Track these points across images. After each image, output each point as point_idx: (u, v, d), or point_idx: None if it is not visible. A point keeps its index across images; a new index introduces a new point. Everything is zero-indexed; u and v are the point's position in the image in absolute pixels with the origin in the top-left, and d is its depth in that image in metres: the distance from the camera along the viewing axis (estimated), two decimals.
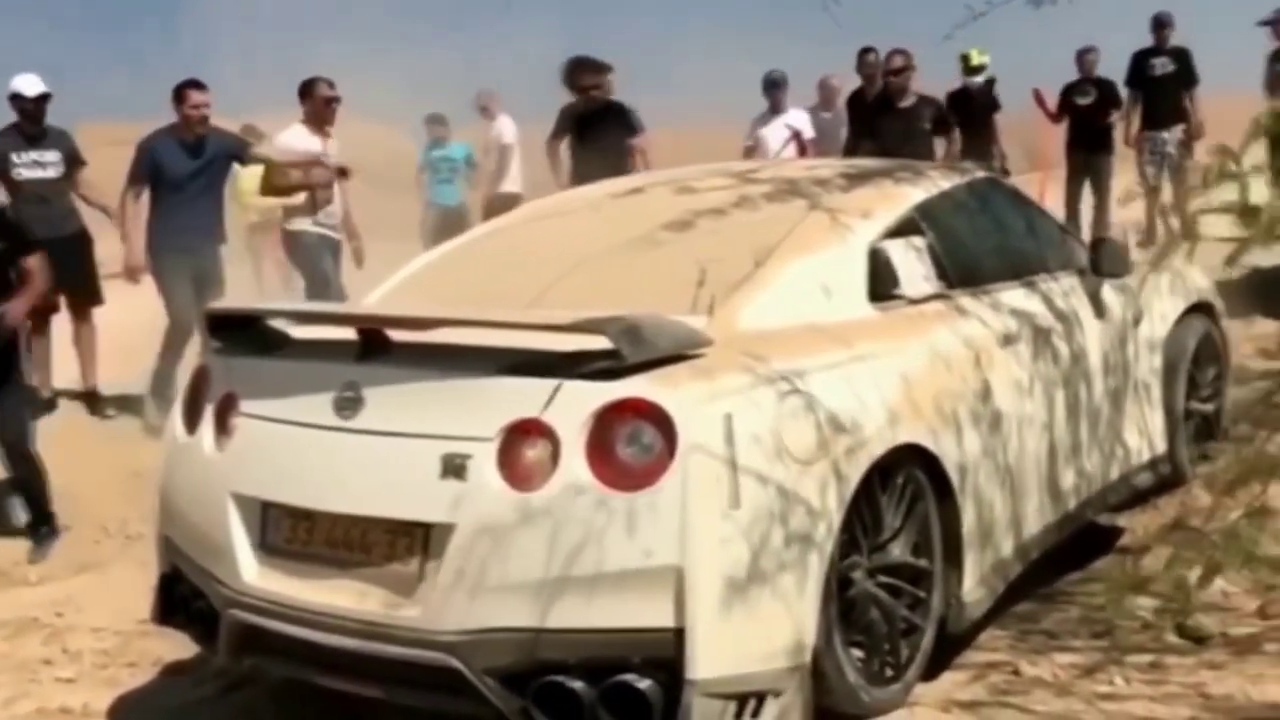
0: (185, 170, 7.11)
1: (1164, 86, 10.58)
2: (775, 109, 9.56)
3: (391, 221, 10.17)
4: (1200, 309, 5.11)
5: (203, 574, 3.43)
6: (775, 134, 9.44)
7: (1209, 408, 5.12)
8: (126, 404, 7.29)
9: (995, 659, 3.65)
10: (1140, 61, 10.70)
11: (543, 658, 2.88)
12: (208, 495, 3.41)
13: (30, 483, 5.75)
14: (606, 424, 2.89)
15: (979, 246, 4.24)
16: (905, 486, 3.36)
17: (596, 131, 7.81)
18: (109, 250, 7.54)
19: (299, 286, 8.09)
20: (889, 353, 3.44)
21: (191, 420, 3.56)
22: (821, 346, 3.29)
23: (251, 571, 3.27)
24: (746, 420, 2.94)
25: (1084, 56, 10.78)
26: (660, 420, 2.86)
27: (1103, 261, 4.53)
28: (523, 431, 2.93)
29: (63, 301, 7.27)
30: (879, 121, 8.67)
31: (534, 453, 2.93)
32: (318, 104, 7.58)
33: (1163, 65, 10.58)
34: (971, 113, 9.57)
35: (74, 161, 7.39)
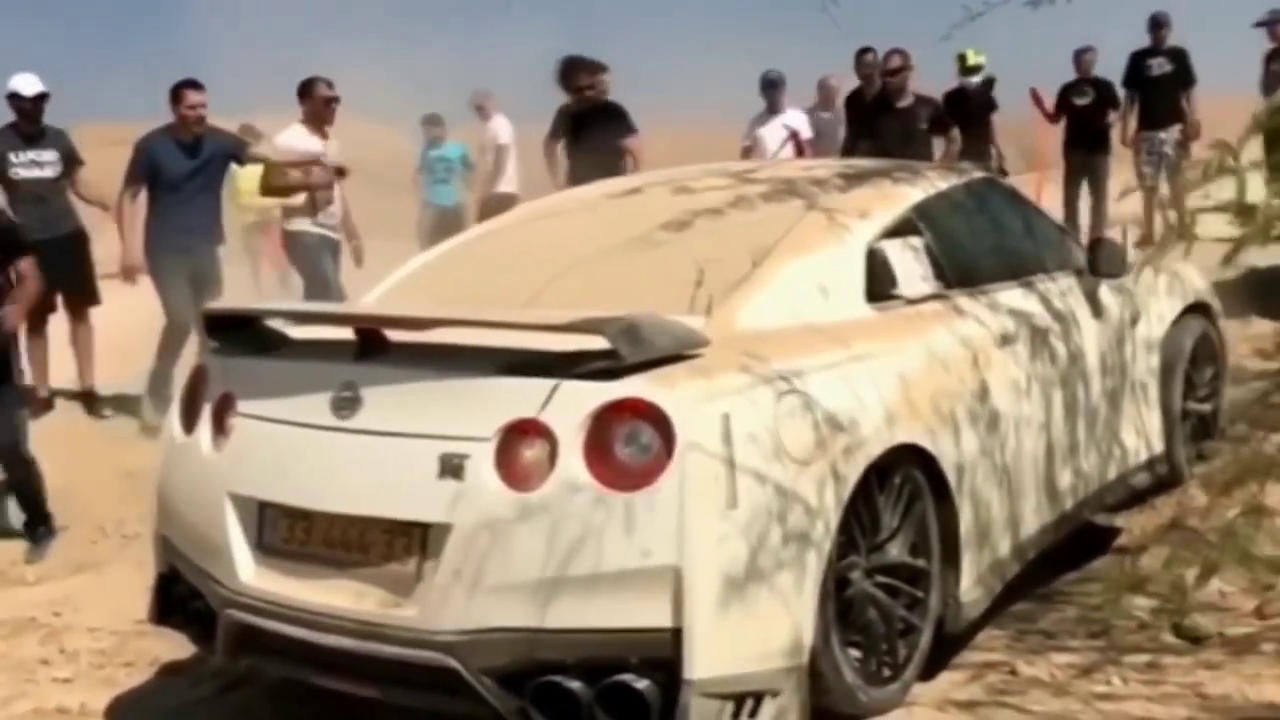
0: (182, 170, 7.10)
1: (1161, 87, 10.59)
2: (773, 109, 9.56)
3: (391, 221, 10.18)
4: (1197, 309, 5.11)
5: (200, 574, 3.42)
6: (773, 134, 9.44)
7: (1206, 408, 5.13)
8: (124, 404, 7.29)
9: (992, 659, 3.65)
10: (1137, 62, 10.72)
11: (540, 658, 2.88)
12: (205, 495, 3.40)
13: (26, 484, 5.75)
14: (604, 424, 2.89)
15: (977, 247, 4.25)
16: (903, 486, 3.36)
17: (590, 132, 7.79)
18: (106, 250, 7.53)
19: (296, 286, 8.09)
20: (886, 353, 3.44)
21: (189, 420, 3.56)
22: (819, 346, 3.29)
23: (249, 571, 3.27)
24: (744, 420, 2.94)
25: (1081, 57, 10.80)
26: (658, 420, 2.86)
27: (1100, 262, 4.53)
28: (520, 431, 2.93)
29: (60, 301, 7.27)
30: (877, 121, 8.68)
31: (532, 453, 2.93)
32: (317, 104, 7.58)
33: (1160, 65, 10.60)
34: (968, 113, 9.58)
35: (71, 161, 7.39)
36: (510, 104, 10.98)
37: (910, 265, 3.79)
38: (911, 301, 3.73)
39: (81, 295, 7.34)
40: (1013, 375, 3.86)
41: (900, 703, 3.33)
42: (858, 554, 3.24)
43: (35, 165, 7.23)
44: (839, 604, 3.17)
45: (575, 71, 7.85)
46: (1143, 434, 4.67)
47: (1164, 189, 10.50)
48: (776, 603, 2.96)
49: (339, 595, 3.10)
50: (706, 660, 2.84)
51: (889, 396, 3.32)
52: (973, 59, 9.95)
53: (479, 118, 10.87)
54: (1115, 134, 10.85)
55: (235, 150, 7.54)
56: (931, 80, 9.63)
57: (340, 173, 7.50)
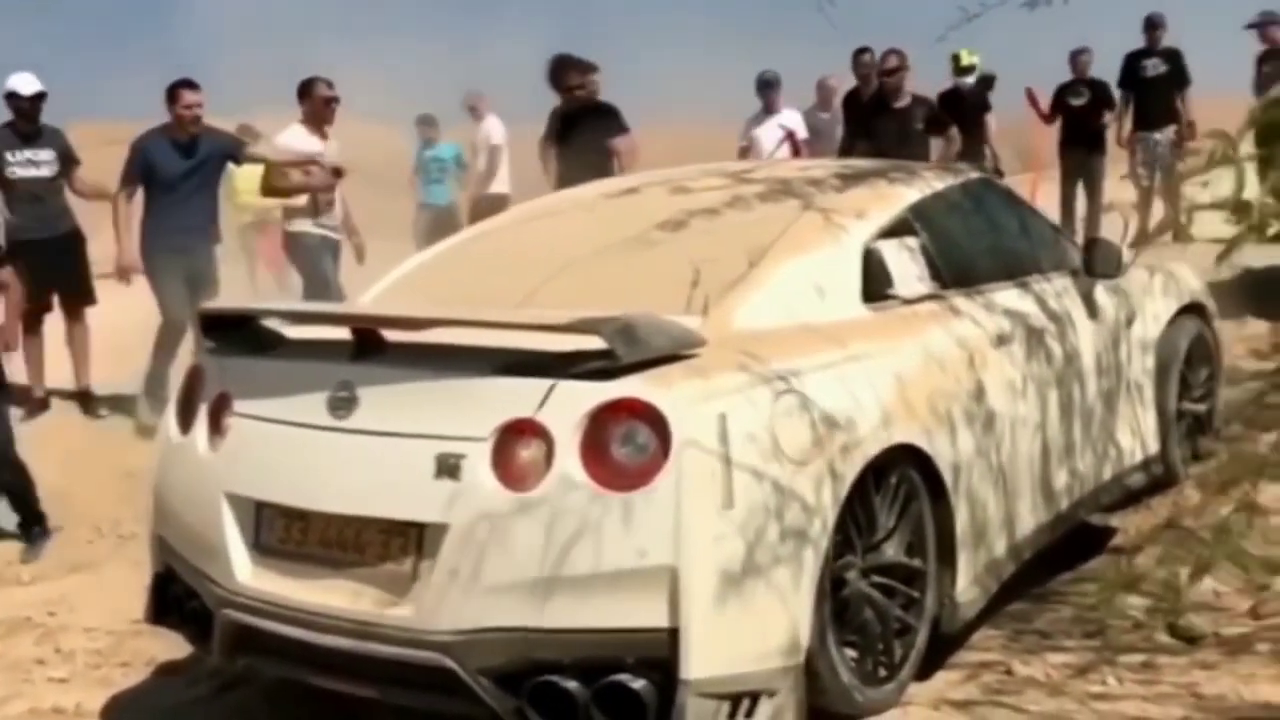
0: (178, 170, 7.10)
1: (1156, 87, 10.61)
2: (769, 109, 9.56)
3: (390, 221, 10.17)
4: (1192, 310, 5.12)
5: (196, 574, 3.42)
6: (769, 134, 9.45)
7: (1201, 408, 5.13)
8: (120, 404, 7.28)
9: (988, 659, 3.65)
10: (1132, 62, 10.74)
11: (537, 658, 2.89)
12: (201, 495, 3.40)
13: (15, 487, 5.74)
14: (601, 424, 2.89)
15: (972, 247, 4.25)
16: (899, 486, 3.37)
17: (578, 132, 7.74)
18: (102, 250, 7.53)
19: (292, 287, 8.08)
20: (883, 353, 3.45)
21: (185, 420, 3.56)
22: (815, 346, 3.29)
23: (245, 571, 3.27)
24: (741, 420, 2.95)
25: (1077, 57, 10.81)
26: (654, 420, 2.87)
27: (1095, 262, 4.54)
28: (517, 431, 2.94)
29: (56, 301, 7.27)
30: (874, 121, 8.68)
31: (528, 452, 2.93)
32: (316, 104, 7.57)
33: (1155, 66, 10.62)
34: (962, 113, 9.59)
35: (68, 160, 7.38)
36: (508, 104, 11.00)
37: (906, 265, 3.80)
38: (908, 302, 3.73)
39: (78, 295, 7.33)
40: (1008, 375, 3.86)
41: (896, 702, 3.33)
42: (854, 554, 3.25)
43: (32, 164, 7.22)
44: (835, 604, 3.17)
45: (565, 71, 7.82)
46: (1138, 434, 4.68)
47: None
48: (773, 603, 2.97)
49: (335, 595, 3.10)
50: (703, 660, 2.85)
51: (885, 397, 3.32)
52: (966, 59, 9.96)
53: (472, 118, 10.88)
54: (1111, 135, 10.86)
55: (232, 150, 7.54)
56: (928, 81, 9.64)
57: (338, 173, 7.50)
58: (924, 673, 3.49)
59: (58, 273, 7.20)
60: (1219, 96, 10.65)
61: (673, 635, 2.83)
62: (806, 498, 3.02)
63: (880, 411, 3.28)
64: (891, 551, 3.37)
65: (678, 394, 2.91)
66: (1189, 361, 5.02)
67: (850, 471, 3.15)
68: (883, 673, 3.35)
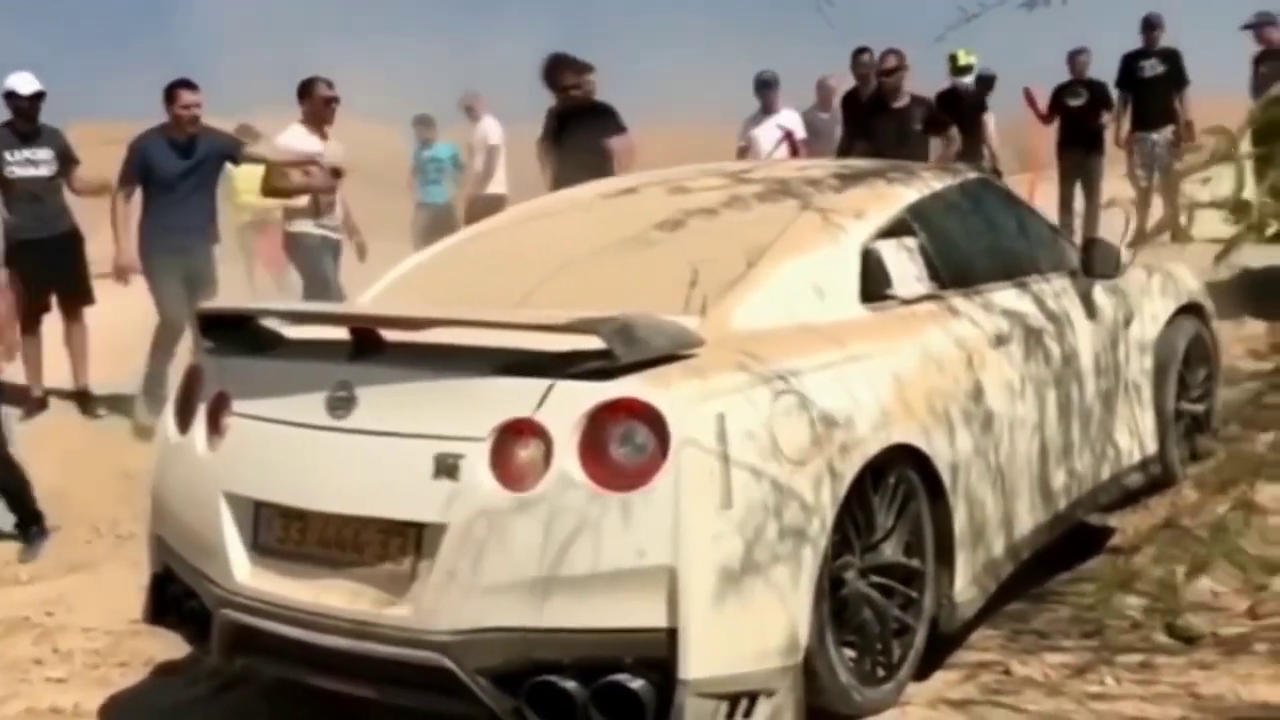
0: (176, 170, 7.09)
1: (1154, 88, 10.62)
2: (767, 109, 9.57)
3: (390, 221, 10.17)
4: (1191, 310, 5.13)
5: (195, 574, 3.42)
6: (767, 134, 9.45)
7: (1199, 408, 5.14)
8: (118, 404, 7.27)
9: (986, 659, 3.65)
10: (1130, 63, 10.74)
11: (535, 658, 2.89)
12: (200, 495, 3.40)
13: (12, 486, 5.73)
14: (599, 424, 2.89)
15: (971, 247, 4.26)
16: (897, 486, 3.37)
17: (574, 132, 7.71)
18: (100, 250, 7.52)
19: (290, 287, 8.07)
20: (881, 353, 3.45)
21: (184, 420, 3.56)
22: (814, 346, 3.29)
23: (244, 571, 3.27)
24: (739, 420, 2.95)
25: (1075, 58, 10.82)
26: (653, 420, 2.87)
27: (1094, 263, 4.54)
28: (515, 431, 2.94)
29: (54, 301, 7.26)
30: (873, 121, 8.68)
31: (526, 452, 2.93)
32: (317, 104, 7.57)
33: (1152, 67, 10.62)
34: (960, 113, 9.59)
35: (67, 160, 7.38)
36: (509, 104, 10.99)
37: (905, 266, 3.80)
38: (906, 302, 3.73)
39: (76, 295, 7.32)
40: (1007, 376, 3.87)
41: (894, 702, 3.33)
42: (852, 554, 3.25)
43: (30, 164, 7.22)
44: (833, 604, 3.17)
45: (560, 70, 7.79)
46: (1136, 434, 4.68)
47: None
48: (771, 602, 2.97)
49: (334, 595, 3.10)
50: (701, 660, 2.85)
51: (884, 397, 3.33)
52: (964, 59, 9.96)
53: (469, 118, 10.87)
54: (1109, 135, 10.87)
55: (230, 150, 7.53)
56: (926, 81, 9.65)
57: (336, 173, 7.50)
58: (922, 672, 3.49)
59: (56, 272, 7.20)
60: (1217, 97, 10.66)
61: (671, 635, 2.84)
62: (805, 498, 3.02)
63: (878, 412, 3.28)
64: (890, 551, 3.37)
65: (676, 394, 2.91)
66: (1187, 362, 5.03)
67: (849, 471, 3.15)
68: (881, 672, 3.35)
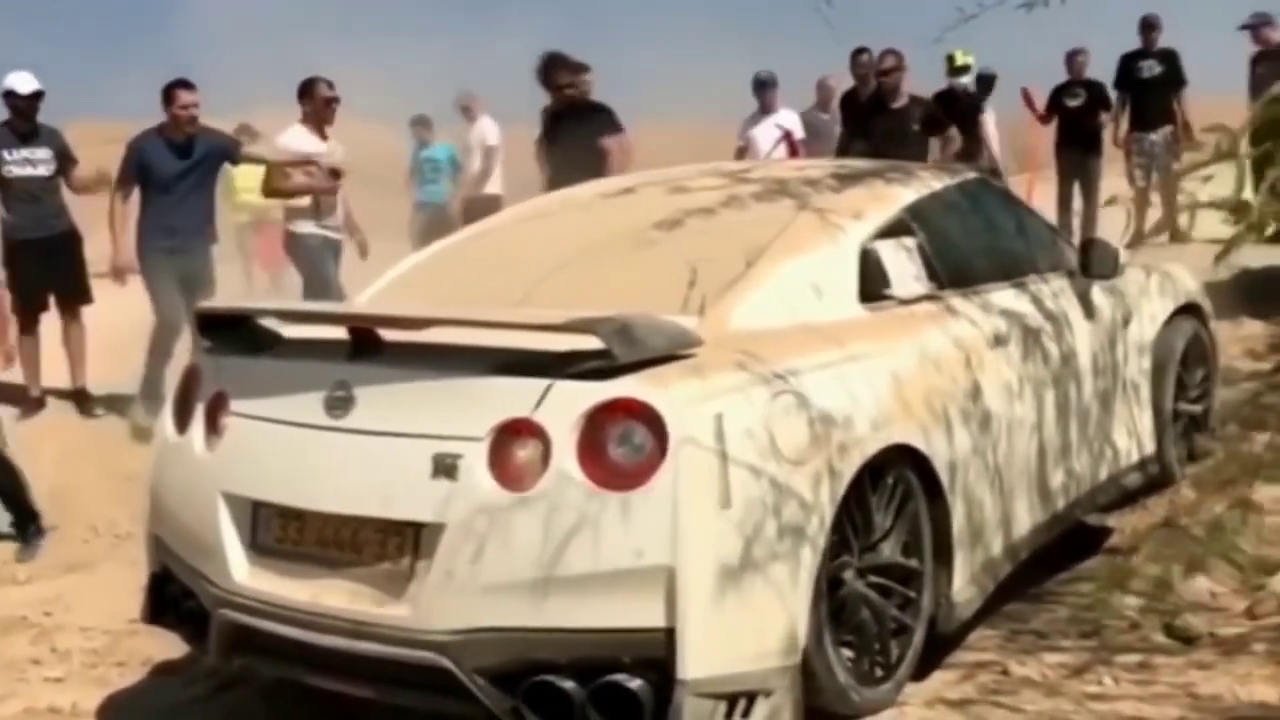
0: (173, 170, 7.09)
1: (1152, 88, 10.63)
2: (765, 109, 9.57)
3: (389, 220, 10.16)
4: (1189, 310, 5.13)
5: (193, 573, 3.42)
6: (766, 134, 9.45)
7: (1197, 408, 5.14)
8: (115, 403, 7.27)
9: (984, 659, 3.65)
10: (1128, 63, 10.75)
11: (533, 657, 2.89)
12: (198, 495, 3.40)
13: (7, 485, 5.72)
14: (597, 424, 2.89)
15: (969, 247, 4.26)
16: (895, 486, 3.37)
17: (567, 131, 7.69)
18: (97, 250, 7.52)
19: (287, 288, 8.06)
20: (880, 353, 3.45)
21: (182, 420, 3.56)
22: (812, 346, 3.29)
23: (242, 571, 3.27)
24: (737, 420, 2.95)
25: (1073, 58, 10.82)
26: (651, 420, 2.87)
27: (1092, 263, 4.55)
28: (514, 431, 2.93)
29: (52, 300, 7.26)
30: (872, 122, 8.68)
31: (525, 452, 2.93)
32: (317, 104, 7.56)
33: (1150, 67, 10.63)
34: (957, 113, 9.59)
35: (65, 160, 7.38)
36: (508, 104, 10.98)
37: (903, 266, 3.80)
38: (904, 302, 3.73)
39: (74, 294, 7.32)
40: (1005, 376, 3.87)
41: (893, 702, 3.33)
42: (850, 554, 3.25)
43: (29, 164, 7.22)
44: (832, 604, 3.17)
45: (555, 69, 7.77)
46: (1134, 434, 4.68)
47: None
48: (769, 602, 2.97)
49: (332, 595, 3.10)
50: (699, 660, 2.85)
51: (882, 397, 3.33)
52: (961, 59, 9.95)
53: (465, 119, 10.85)
54: (1107, 135, 10.87)
55: (228, 150, 7.53)
56: (925, 81, 9.65)
57: (335, 174, 7.49)
58: (920, 672, 3.49)
59: (54, 272, 7.20)
60: (1215, 97, 10.66)
61: (669, 635, 2.83)
62: (803, 497, 3.02)
63: (877, 412, 3.28)
64: (888, 551, 3.37)
65: (674, 394, 2.91)
66: (1185, 362, 5.03)
67: (847, 471, 3.15)
68: (879, 673, 3.35)
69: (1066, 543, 4.32)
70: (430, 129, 11.70)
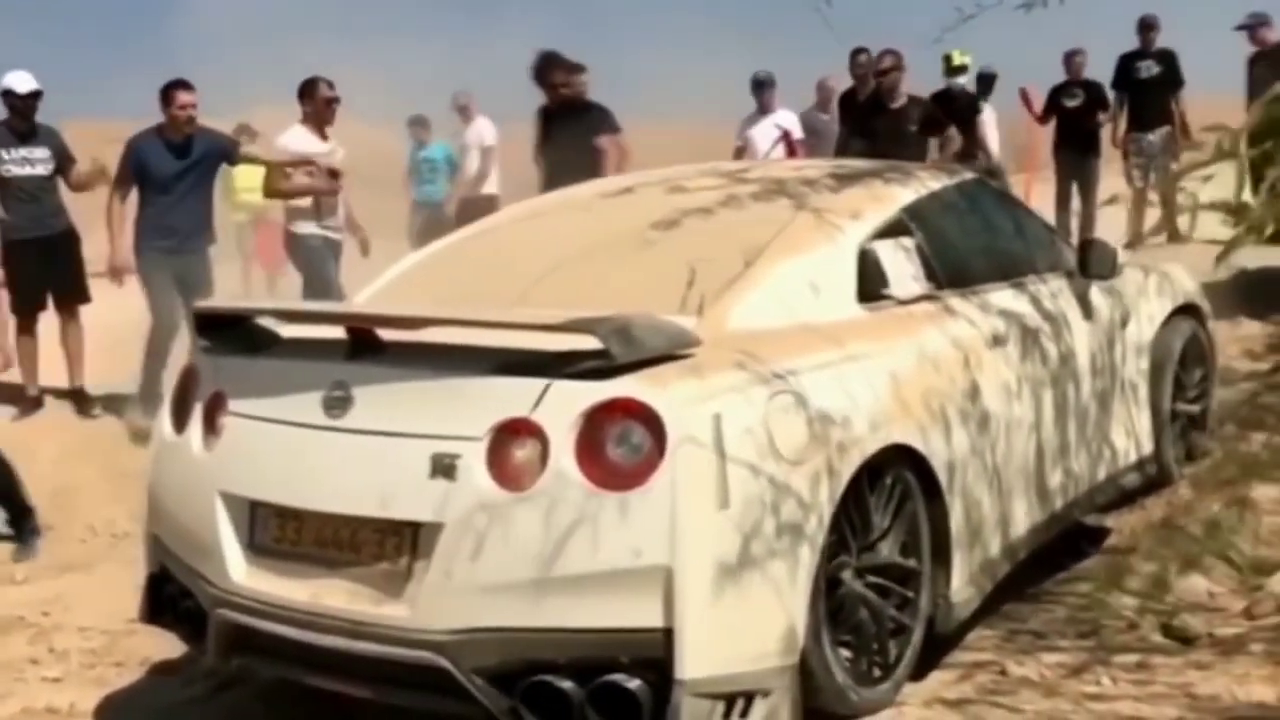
0: (171, 170, 7.09)
1: (1150, 89, 10.64)
2: (764, 109, 9.57)
3: (387, 220, 10.17)
4: (1187, 310, 5.13)
5: (191, 573, 3.42)
6: (764, 134, 9.45)
7: (1195, 409, 5.15)
8: (113, 403, 7.27)
9: (982, 659, 3.65)
10: (1126, 64, 10.76)
11: (531, 657, 2.88)
12: (196, 494, 3.40)
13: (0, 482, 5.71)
14: (596, 424, 2.89)
15: (968, 247, 4.26)
16: (894, 486, 3.37)
17: (561, 130, 7.68)
18: (94, 249, 7.52)
19: (283, 288, 8.06)
20: (878, 353, 3.45)
21: (180, 419, 3.55)
22: (811, 346, 3.29)
23: (240, 571, 3.26)
24: (736, 420, 2.95)
25: (1072, 59, 10.83)
26: (649, 420, 2.87)
27: (1090, 263, 4.55)
28: (512, 431, 2.93)
29: (50, 300, 7.25)
30: (870, 122, 8.69)
31: (523, 452, 2.93)
32: (318, 104, 7.56)
33: (1148, 68, 10.64)
34: (954, 114, 9.60)
35: (63, 159, 7.37)
36: (506, 104, 10.97)
37: (901, 266, 3.80)
38: (903, 302, 3.74)
39: (72, 294, 7.32)
40: (1003, 376, 3.87)
41: (891, 702, 3.33)
42: (849, 554, 3.25)
43: (27, 163, 7.21)
44: (830, 604, 3.17)
45: (550, 68, 7.77)
46: (1132, 435, 4.69)
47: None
48: (768, 602, 2.97)
49: (330, 595, 3.10)
50: (698, 660, 2.85)
51: (880, 397, 3.33)
52: (958, 59, 9.96)
53: (461, 118, 10.84)
54: (1105, 135, 10.89)
55: (226, 150, 7.53)
56: (924, 81, 9.66)
57: (333, 174, 7.49)
58: (918, 672, 3.49)
59: (52, 271, 7.20)
60: (1213, 97, 10.67)
61: (667, 635, 2.83)
62: (802, 497, 3.02)
63: (875, 412, 3.29)
64: (886, 551, 3.37)
65: (673, 394, 2.91)
66: (1183, 362, 5.03)
67: (845, 471, 3.15)
68: (877, 673, 3.35)
69: (1065, 543, 4.32)
70: (428, 129, 11.71)
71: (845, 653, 3.25)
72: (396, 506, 3.02)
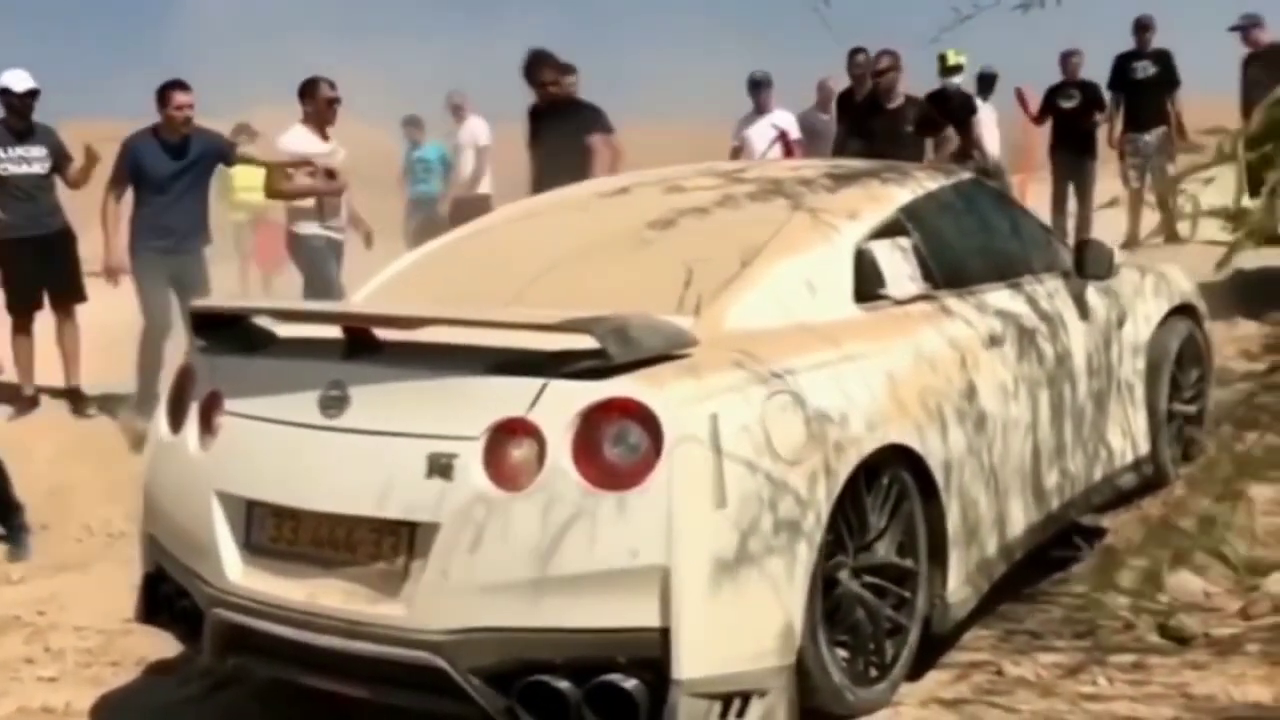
0: (167, 171, 7.07)
1: (1146, 89, 10.64)
2: (760, 109, 9.57)
3: (385, 220, 10.17)
4: (1183, 311, 5.14)
5: (187, 573, 3.42)
6: (760, 134, 9.45)
7: (1192, 409, 5.15)
8: (109, 402, 7.26)
9: (979, 659, 3.66)
10: (1122, 64, 10.76)
11: (528, 657, 2.88)
12: (192, 494, 3.40)
13: None
14: (593, 423, 2.89)
15: (964, 247, 4.26)
16: (890, 486, 3.37)
17: (551, 129, 7.67)
18: (90, 249, 7.51)
19: (279, 289, 8.05)
20: (875, 353, 3.45)
21: (176, 419, 3.55)
22: (808, 346, 3.29)
23: (236, 570, 3.26)
24: (733, 419, 2.95)
25: (1068, 59, 10.84)
26: (646, 420, 2.86)
27: (1087, 264, 4.55)
28: (509, 431, 2.93)
29: (46, 299, 7.24)
30: (868, 122, 8.69)
31: (520, 452, 2.93)
32: (319, 104, 7.55)
33: (1144, 68, 10.64)
34: (949, 114, 9.60)
35: (60, 158, 7.36)
36: (506, 104, 10.96)
37: (898, 266, 3.80)
38: (899, 302, 3.74)
39: (68, 293, 7.31)
40: (1000, 376, 3.87)
41: (888, 702, 3.34)
42: (845, 554, 3.25)
43: (24, 161, 7.20)
44: (827, 604, 3.17)
45: (540, 66, 7.76)
46: (1129, 435, 4.69)
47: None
48: (765, 602, 2.97)
49: (327, 594, 3.10)
50: (694, 660, 2.84)
51: (877, 397, 3.33)
52: (953, 59, 9.96)
53: (455, 118, 10.84)
54: (1101, 136, 10.89)
55: (223, 151, 7.52)
56: (922, 81, 9.66)
57: (330, 174, 7.48)
58: (915, 672, 3.49)
59: (48, 270, 7.19)
60: (1209, 97, 10.69)
61: (664, 635, 2.83)
62: (799, 497, 3.02)
63: (872, 411, 3.29)
64: (883, 551, 3.37)
65: (670, 394, 2.90)
66: (1180, 362, 5.04)
67: (842, 471, 3.15)
68: (874, 673, 3.35)
69: (1061, 543, 4.32)
70: (422, 129, 11.71)
71: (842, 652, 3.25)
72: (393, 506, 3.02)
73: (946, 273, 3.97)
